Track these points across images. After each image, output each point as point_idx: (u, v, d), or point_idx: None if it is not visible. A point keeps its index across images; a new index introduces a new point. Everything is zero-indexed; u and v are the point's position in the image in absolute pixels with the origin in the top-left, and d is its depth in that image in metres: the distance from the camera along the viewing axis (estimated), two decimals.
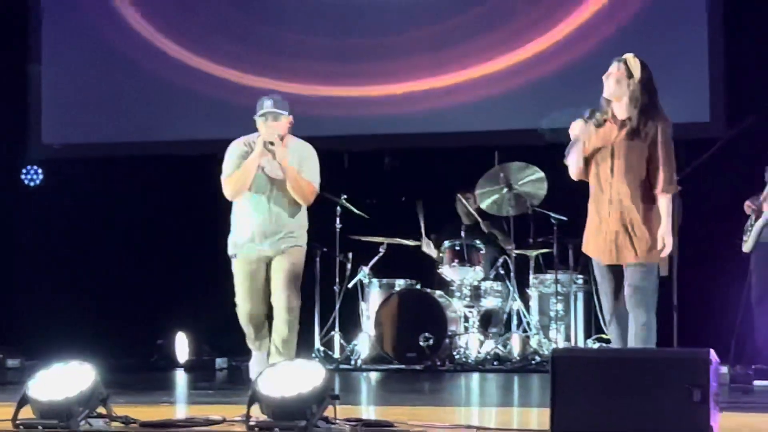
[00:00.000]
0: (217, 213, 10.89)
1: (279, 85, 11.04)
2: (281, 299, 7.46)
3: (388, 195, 10.74)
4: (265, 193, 7.48)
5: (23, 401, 5.23)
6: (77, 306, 10.93)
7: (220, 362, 10.38)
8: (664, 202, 6.45)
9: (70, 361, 5.35)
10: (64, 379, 5.22)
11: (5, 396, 7.03)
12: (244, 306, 7.61)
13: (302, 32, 11.23)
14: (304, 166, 7.46)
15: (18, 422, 5.21)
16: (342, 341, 10.21)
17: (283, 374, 5.06)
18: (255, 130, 7.51)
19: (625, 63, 6.48)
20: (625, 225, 6.45)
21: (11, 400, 5.65)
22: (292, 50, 11.19)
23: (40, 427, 5.15)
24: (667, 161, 6.45)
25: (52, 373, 5.29)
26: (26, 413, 5.25)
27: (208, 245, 10.98)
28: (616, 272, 6.49)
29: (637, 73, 6.47)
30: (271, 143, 7.27)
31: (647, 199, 6.47)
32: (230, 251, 7.72)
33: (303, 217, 7.64)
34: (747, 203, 8.92)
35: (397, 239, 10.39)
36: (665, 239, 6.42)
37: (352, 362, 10.00)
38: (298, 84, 11.09)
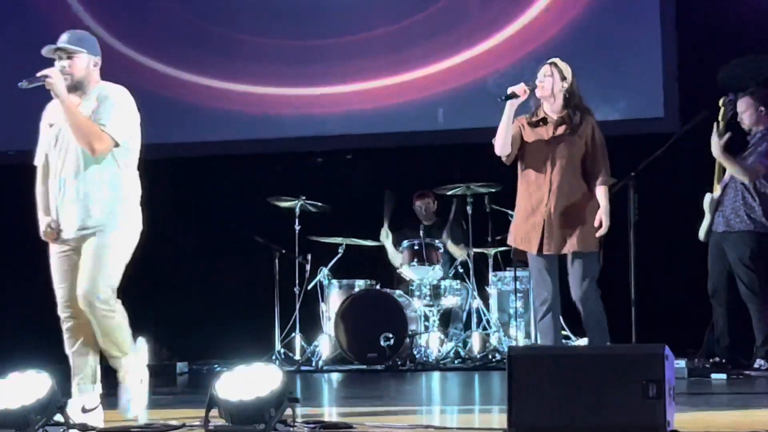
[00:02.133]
0: (176, 217, 10.93)
1: (235, 87, 11.08)
2: None
3: (347, 196, 10.73)
4: None
5: None
6: (33, 312, 10.86)
7: (181, 366, 10.34)
8: (602, 193, 6.92)
9: (26, 370, 5.33)
10: (21, 387, 5.19)
11: None
12: None
13: (258, 34, 11.21)
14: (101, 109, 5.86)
15: None
16: (303, 343, 10.21)
17: (240, 378, 5.06)
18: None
19: (557, 65, 6.95)
20: (565, 215, 6.78)
21: None
22: (248, 52, 11.17)
23: None
24: (603, 156, 6.99)
25: (8, 382, 5.26)
26: None
27: (167, 248, 10.99)
28: (552, 262, 6.83)
29: (568, 75, 6.99)
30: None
31: (586, 190, 6.95)
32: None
33: None
34: None
35: (356, 240, 10.40)
36: (603, 220, 6.87)
37: (313, 364, 9.99)
38: (254, 86, 11.09)
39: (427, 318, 10.21)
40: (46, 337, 10.34)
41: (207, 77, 11.25)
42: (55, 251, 5.90)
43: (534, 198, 6.99)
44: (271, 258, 10.28)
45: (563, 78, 6.98)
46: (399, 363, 9.90)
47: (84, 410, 5.73)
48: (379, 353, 9.90)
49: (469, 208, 10.15)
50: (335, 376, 9.65)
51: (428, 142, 10.82)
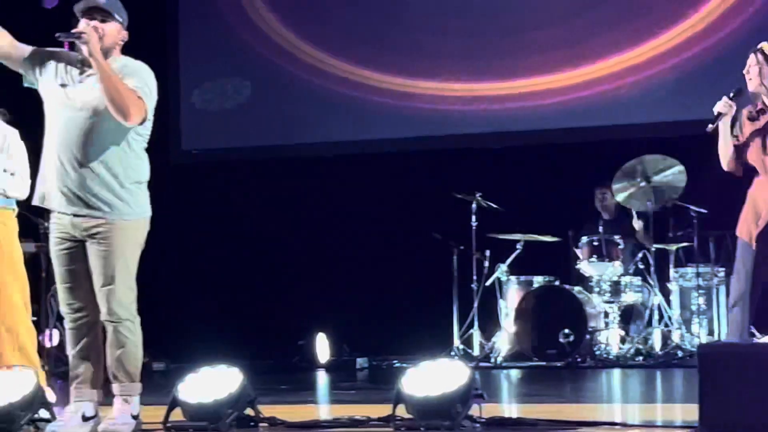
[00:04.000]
0: (355, 215, 11.05)
1: (415, 84, 11.12)
2: None
3: (525, 192, 10.68)
4: None
5: (173, 404, 5.35)
6: (220, 309, 11.10)
7: (361, 362, 10.44)
8: None
9: (217, 365, 5.45)
10: (213, 381, 5.32)
11: (153, 399, 7.18)
12: None
13: (436, 32, 11.24)
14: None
15: (168, 425, 5.32)
16: (481, 339, 10.20)
17: (427, 374, 5.09)
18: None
19: (762, 53, 6.35)
20: None
21: (159, 402, 5.78)
22: (427, 50, 11.21)
23: (190, 430, 5.25)
24: None
25: (200, 377, 5.39)
26: (176, 416, 5.37)
27: (346, 246, 11.11)
28: (762, 258, 6.40)
29: None
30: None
31: None
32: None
33: None
34: None
35: (534, 236, 10.33)
36: None
37: (492, 360, 9.98)
38: (434, 83, 11.13)
39: (606, 314, 10.10)
40: (234, 332, 10.61)
41: (387, 74, 11.31)
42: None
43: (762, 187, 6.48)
44: (449, 254, 10.29)
45: None
46: (578, 360, 9.82)
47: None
48: (559, 350, 9.84)
49: (649, 204, 10.01)
50: (514, 373, 9.62)
51: (607, 136, 10.68)
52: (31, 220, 9.43)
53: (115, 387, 5.43)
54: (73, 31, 5.32)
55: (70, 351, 5.54)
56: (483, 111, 11.10)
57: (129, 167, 5.42)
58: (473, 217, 10.26)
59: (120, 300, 5.34)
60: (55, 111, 5.41)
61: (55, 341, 10.48)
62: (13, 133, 6.88)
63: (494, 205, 10.21)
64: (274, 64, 11.63)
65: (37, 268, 9.95)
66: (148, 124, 5.50)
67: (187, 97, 11.79)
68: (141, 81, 5.41)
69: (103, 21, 5.39)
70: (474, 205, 10.26)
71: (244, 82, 11.66)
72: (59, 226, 5.44)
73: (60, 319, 11.03)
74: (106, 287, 5.33)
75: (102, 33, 5.35)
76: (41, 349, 10.30)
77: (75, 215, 5.37)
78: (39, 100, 5.54)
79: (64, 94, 5.40)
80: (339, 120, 11.41)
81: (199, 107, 11.76)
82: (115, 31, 5.45)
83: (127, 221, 5.40)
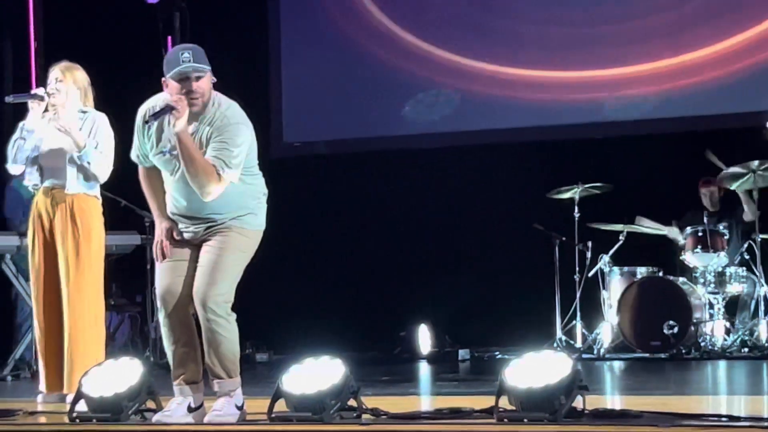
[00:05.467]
0: (457, 206, 11.04)
1: (517, 74, 11.08)
2: None
3: (628, 182, 10.59)
4: None
5: (277, 395, 5.40)
6: (322, 301, 11.16)
7: (463, 353, 10.43)
8: None
9: (320, 356, 5.49)
10: (316, 373, 5.36)
11: (257, 390, 7.25)
12: None
13: (537, 22, 11.18)
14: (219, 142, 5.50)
15: (273, 415, 5.37)
16: (584, 330, 10.13)
17: (530, 365, 5.07)
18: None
19: None
20: None
21: (263, 394, 5.84)
22: (527, 40, 11.16)
23: (294, 421, 5.29)
24: None
25: (304, 368, 5.43)
26: (280, 406, 5.41)
27: (448, 237, 11.12)
28: None
29: None
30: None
31: None
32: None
33: None
34: None
35: (638, 227, 10.24)
36: None
37: (595, 351, 9.92)
38: (536, 72, 11.08)
39: (711, 306, 9.97)
40: (337, 324, 10.67)
41: (488, 64, 11.28)
42: None
43: None
44: (551, 245, 10.25)
45: None
46: (683, 351, 9.72)
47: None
48: (663, 341, 9.75)
49: (755, 194, 9.88)
50: (617, 364, 9.56)
51: (713, 126, 10.54)
52: (136, 212, 9.59)
53: (215, 384, 5.53)
54: (163, 106, 5.38)
55: (171, 345, 5.63)
56: (586, 100, 11.02)
57: (246, 194, 5.59)
58: (575, 208, 10.20)
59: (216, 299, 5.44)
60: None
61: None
62: (102, 119, 6.96)
63: (598, 191, 10.15)
64: (372, 54, 11.64)
65: (142, 259, 10.12)
66: (252, 155, 5.61)
67: (288, 89, 11.85)
68: (226, 143, 5.42)
69: (197, 79, 5.41)
70: (576, 196, 10.20)
71: (342, 72, 11.68)
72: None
73: None
74: (205, 286, 5.43)
75: (201, 92, 5.40)
76: (146, 339, 10.51)
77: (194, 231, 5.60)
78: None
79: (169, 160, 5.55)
80: (439, 111, 11.40)
81: (300, 99, 11.81)
82: (209, 82, 5.47)
83: (243, 229, 5.57)
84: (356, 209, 11.32)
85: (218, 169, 5.39)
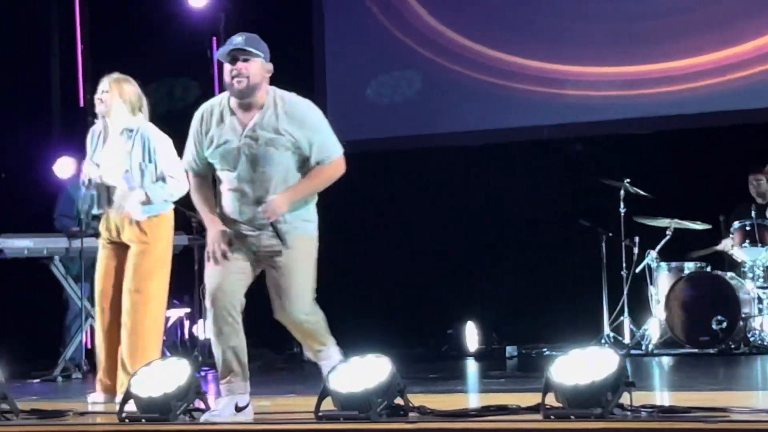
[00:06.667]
0: (503, 203, 11.03)
1: (563, 70, 11.05)
2: None
3: (674, 177, 10.54)
4: None
5: (324, 393, 5.41)
6: (368, 298, 11.17)
7: (510, 350, 10.42)
8: None
9: (367, 354, 5.50)
10: (363, 371, 5.37)
11: (304, 388, 7.31)
12: None
13: (583, 17, 11.14)
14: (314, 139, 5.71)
15: (320, 413, 5.39)
16: (632, 326, 10.09)
17: (577, 362, 5.06)
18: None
19: None
20: None
21: (310, 392, 5.89)
22: (573, 36, 11.13)
23: (341, 419, 5.31)
24: None
25: (350, 366, 5.45)
26: (327, 405, 5.43)
27: (495, 234, 11.10)
28: None
29: None
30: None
31: None
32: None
33: None
34: None
35: (684, 222, 10.18)
36: None
37: (643, 347, 9.88)
38: (581, 68, 11.04)
39: (760, 300, 9.91)
40: (383, 322, 10.69)
41: (534, 61, 11.26)
42: None
43: None
44: (598, 241, 10.21)
45: None
46: (732, 347, 9.66)
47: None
48: (711, 337, 9.70)
49: None
50: (666, 360, 9.52)
51: (762, 119, 10.46)
52: (185, 213, 9.64)
53: (320, 354, 5.81)
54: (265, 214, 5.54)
55: (213, 343, 5.68)
56: (630, 96, 10.97)
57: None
58: (621, 204, 10.15)
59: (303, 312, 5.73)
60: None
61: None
62: (152, 132, 6.94)
63: (642, 192, 10.10)
64: (418, 53, 11.64)
65: (190, 260, 10.17)
66: None
67: (332, 89, 11.87)
68: (319, 131, 5.70)
69: (245, 61, 5.55)
70: (622, 192, 10.16)
71: (385, 71, 11.68)
72: None
73: None
74: (291, 308, 5.67)
75: (246, 73, 5.53)
76: (194, 339, 10.57)
77: None
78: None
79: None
80: (485, 108, 11.38)
81: (344, 98, 11.83)
82: (259, 67, 5.58)
83: (305, 235, 5.76)
84: (403, 207, 11.33)
85: (333, 159, 5.73)
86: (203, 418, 5.57)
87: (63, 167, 10.30)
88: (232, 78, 5.56)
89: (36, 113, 11.84)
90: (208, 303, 5.65)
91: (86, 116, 11.55)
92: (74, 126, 11.57)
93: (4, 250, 9.35)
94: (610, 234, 10.20)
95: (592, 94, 11.10)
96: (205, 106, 5.73)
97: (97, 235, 9.17)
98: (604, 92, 11.05)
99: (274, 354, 10.46)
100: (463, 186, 11.21)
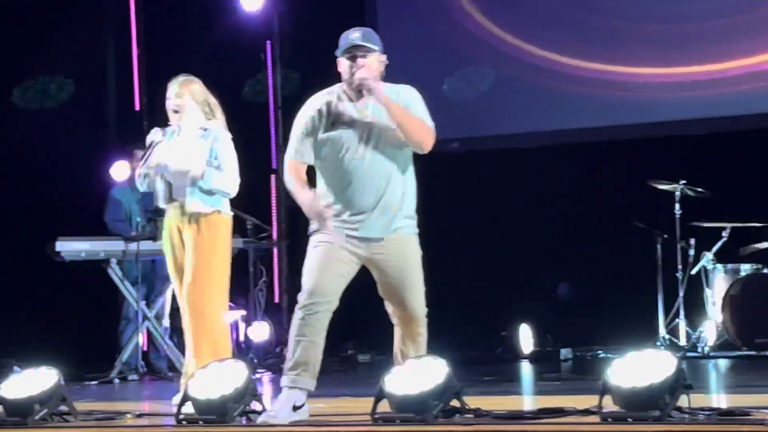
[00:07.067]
0: (557, 205, 10.99)
1: (616, 71, 11.01)
2: None
3: (730, 179, 10.46)
4: None
5: (380, 396, 5.43)
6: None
7: (565, 353, 10.38)
8: None
9: (423, 356, 5.51)
10: (419, 373, 5.38)
11: (360, 390, 7.31)
12: None
13: (638, 18, 11.09)
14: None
15: (376, 416, 5.40)
16: (688, 329, 10.03)
17: (634, 364, 5.05)
18: None
19: None
20: None
21: (366, 395, 5.89)
22: (626, 36, 11.07)
23: (398, 421, 5.32)
24: None
25: (406, 368, 5.46)
26: (383, 407, 5.44)
27: (549, 236, 11.07)
28: None
29: None
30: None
31: None
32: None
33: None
34: None
35: (741, 223, 10.10)
36: None
37: (699, 350, 9.82)
38: (635, 69, 10.99)
39: None
40: (438, 324, 10.66)
41: (584, 61, 11.22)
42: None
43: None
44: (653, 243, 10.16)
45: None
46: None
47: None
48: None
49: None
50: (722, 363, 9.45)
51: None
52: (240, 216, 9.69)
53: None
54: (357, 77, 5.65)
55: (295, 336, 5.72)
56: (685, 97, 10.90)
57: (413, 193, 6.01)
58: (677, 206, 10.09)
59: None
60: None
61: (265, 334, 10.74)
62: (223, 136, 6.99)
63: (699, 190, 10.03)
64: (473, 56, 11.63)
65: (245, 263, 10.23)
66: None
67: None
68: (421, 108, 5.81)
69: (363, 56, 5.72)
70: (677, 194, 10.10)
71: (443, 77, 11.67)
72: None
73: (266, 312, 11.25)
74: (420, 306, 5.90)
75: (367, 68, 5.69)
76: (250, 342, 10.62)
77: None
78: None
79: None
80: (540, 109, 11.34)
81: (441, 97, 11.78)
82: (376, 61, 5.76)
83: (414, 235, 5.95)
84: (457, 209, 11.30)
85: (429, 124, 5.79)
86: (260, 419, 5.60)
87: (119, 171, 10.38)
88: (353, 74, 5.68)
89: (92, 117, 11.94)
90: (304, 297, 5.70)
91: (141, 120, 11.68)
92: (130, 130, 11.67)
93: (62, 253, 9.45)
94: (666, 236, 10.14)
95: (648, 96, 11.03)
96: (319, 98, 5.83)
97: (152, 238, 9.30)
98: (659, 93, 10.98)
99: (328, 356, 10.47)
100: (518, 187, 11.17)
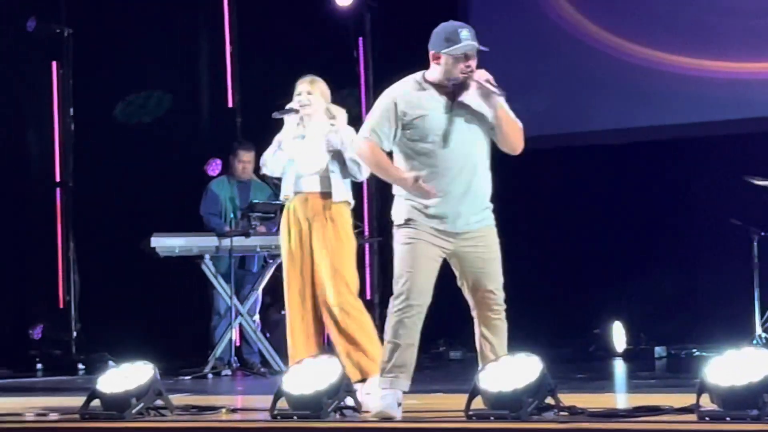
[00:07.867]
0: (650, 201, 10.89)
1: (709, 66, 10.88)
2: None
3: None
4: None
5: (474, 392, 5.42)
6: (514, 297, 11.09)
7: (659, 351, 10.28)
8: None
9: (516, 353, 5.49)
10: (513, 370, 5.36)
11: (452, 387, 7.32)
12: None
13: (724, 14, 10.95)
14: None
15: (470, 413, 5.40)
16: None
17: (732, 363, 4.98)
18: None
19: None
20: None
21: (458, 391, 5.90)
22: (719, 31, 10.93)
23: (491, 418, 5.30)
24: None
25: (501, 365, 5.45)
26: (477, 404, 5.43)
27: (642, 233, 10.96)
28: None
29: None
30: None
31: None
32: None
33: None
34: None
35: None
36: None
37: None
38: (729, 64, 10.85)
39: None
40: (530, 321, 10.60)
41: (675, 55, 11.10)
42: None
43: None
44: (748, 240, 10.01)
45: None
46: None
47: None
48: None
49: None
50: None
51: None
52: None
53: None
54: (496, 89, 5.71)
55: (392, 339, 5.74)
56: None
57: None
58: None
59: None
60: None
61: None
62: (348, 134, 7.01)
63: None
64: (557, 50, 11.55)
65: None
66: None
67: None
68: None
69: (474, 57, 5.79)
70: None
71: (539, 69, 11.60)
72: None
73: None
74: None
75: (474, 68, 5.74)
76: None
77: None
78: None
79: None
80: (631, 105, 11.23)
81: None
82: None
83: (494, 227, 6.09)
84: (547, 206, 11.25)
85: (520, 125, 5.90)
86: (374, 412, 5.60)
87: (213, 167, 10.47)
88: (462, 72, 5.69)
89: (185, 114, 12.05)
90: (404, 297, 5.69)
91: (234, 117, 11.76)
92: (222, 127, 11.76)
93: (157, 249, 9.56)
94: (762, 233, 10.00)
95: (740, 90, 10.88)
96: (396, 89, 5.83)
97: (246, 234, 9.38)
98: (753, 88, 10.82)
99: (420, 352, 10.47)
100: (609, 185, 11.08)
